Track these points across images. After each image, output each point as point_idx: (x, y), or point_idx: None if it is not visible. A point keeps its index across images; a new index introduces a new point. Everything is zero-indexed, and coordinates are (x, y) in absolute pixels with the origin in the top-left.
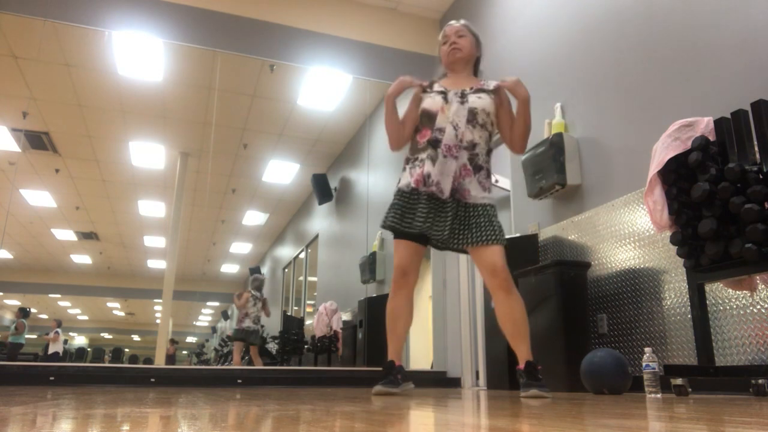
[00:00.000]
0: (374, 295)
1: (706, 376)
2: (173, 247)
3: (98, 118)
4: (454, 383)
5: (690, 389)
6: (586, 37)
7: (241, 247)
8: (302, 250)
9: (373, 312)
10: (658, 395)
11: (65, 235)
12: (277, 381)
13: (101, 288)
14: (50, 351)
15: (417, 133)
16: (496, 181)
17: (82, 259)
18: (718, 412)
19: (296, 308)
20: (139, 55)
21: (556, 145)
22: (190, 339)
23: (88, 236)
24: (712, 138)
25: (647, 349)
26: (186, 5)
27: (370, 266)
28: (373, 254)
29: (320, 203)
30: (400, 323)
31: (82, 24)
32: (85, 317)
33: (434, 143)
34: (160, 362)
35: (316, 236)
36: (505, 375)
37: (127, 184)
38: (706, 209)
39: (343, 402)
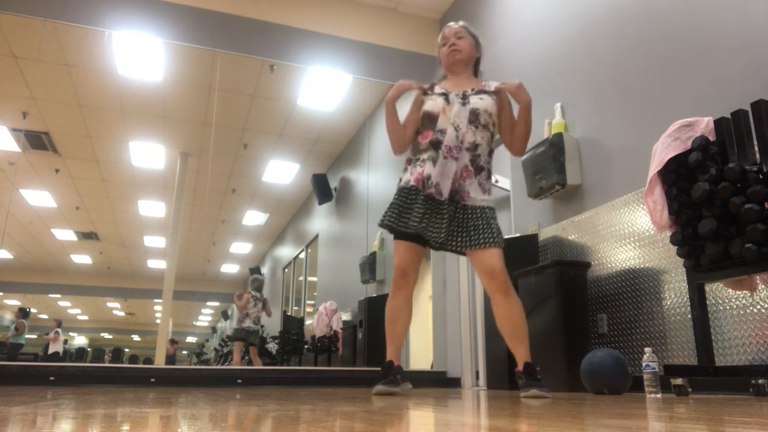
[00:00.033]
0: (374, 295)
1: (706, 376)
2: (173, 247)
3: (98, 118)
4: (454, 383)
5: (690, 389)
6: (586, 37)
7: (241, 247)
8: (302, 250)
9: (373, 312)
10: (658, 395)
11: (65, 235)
12: (277, 381)
13: (101, 288)
14: (50, 351)
15: (419, 135)
16: (496, 181)
17: (82, 259)
18: (718, 412)
19: (296, 308)
20: (139, 55)
21: (556, 145)
22: (190, 339)
23: (88, 236)
24: (712, 138)
25: (647, 349)
26: (186, 5)
27: (370, 266)
28: (373, 254)
29: (320, 203)
30: (400, 323)
31: (82, 24)
32: (85, 317)
33: (435, 144)
34: (160, 362)
35: (316, 236)
36: (505, 375)
37: (127, 184)
38: (706, 209)
39: (343, 402)
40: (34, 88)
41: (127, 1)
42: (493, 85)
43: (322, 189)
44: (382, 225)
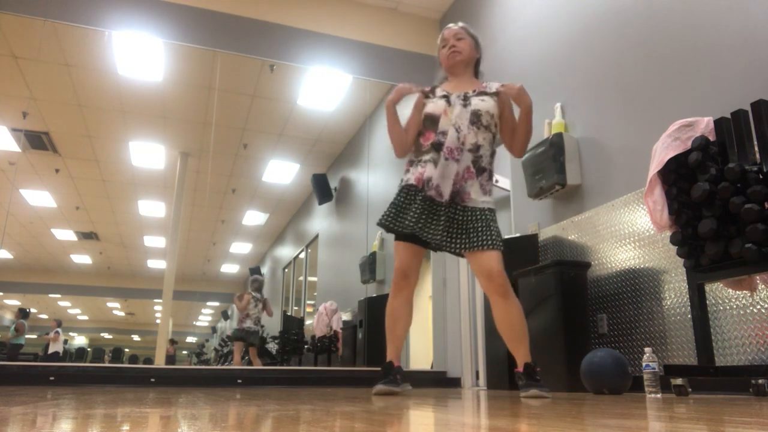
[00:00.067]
0: (374, 295)
1: (706, 376)
2: (173, 247)
3: (98, 118)
4: (454, 383)
5: (690, 389)
6: (586, 37)
7: (241, 247)
8: (302, 250)
9: (373, 312)
10: (658, 395)
11: (65, 235)
12: (277, 381)
13: (101, 288)
14: (50, 351)
15: (421, 137)
16: (496, 181)
17: (82, 259)
18: (718, 412)
19: (296, 308)
20: (139, 55)
21: (556, 145)
22: (190, 339)
23: (88, 236)
24: (712, 138)
25: (647, 349)
26: (186, 5)
27: (370, 266)
28: (373, 254)
29: (320, 203)
30: (400, 324)
31: (82, 24)
32: (85, 317)
33: (437, 146)
34: (160, 362)
35: (316, 236)
36: (505, 375)
37: (127, 184)
38: (706, 209)
39: (343, 402)
40: (34, 88)
41: (127, 1)
42: (494, 87)
43: (322, 189)
44: (379, 224)
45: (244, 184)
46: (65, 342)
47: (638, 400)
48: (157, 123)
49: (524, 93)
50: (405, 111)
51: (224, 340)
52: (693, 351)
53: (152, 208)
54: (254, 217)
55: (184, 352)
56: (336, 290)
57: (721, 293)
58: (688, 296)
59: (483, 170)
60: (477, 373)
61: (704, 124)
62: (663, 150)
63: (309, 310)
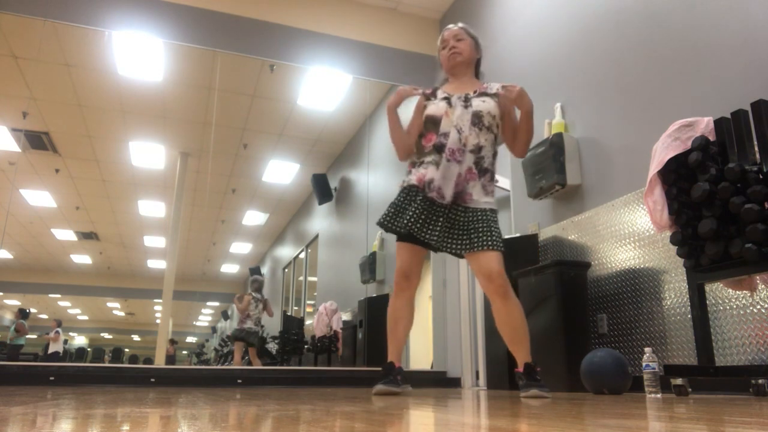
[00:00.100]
0: (374, 295)
1: (706, 376)
2: (173, 247)
3: (98, 118)
4: (454, 383)
5: (690, 389)
6: (586, 37)
7: (241, 247)
8: (302, 250)
9: (373, 312)
10: (658, 395)
11: (65, 235)
12: (277, 381)
13: (101, 288)
14: (50, 351)
15: (422, 138)
16: (497, 181)
17: (82, 259)
18: (718, 412)
19: (296, 308)
20: (139, 55)
21: (556, 145)
22: (190, 339)
23: (88, 236)
24: (712, 138)
25: (647, 349)
26: (186, 5)
27: (370, 266)
28: (373, 254)
29: (320, 203)
30: (401, 325)
31: (82, 24)
32: (85, 317)
33: (439, 148)
34: (160, 362)
35: (316, 236)
36: (505, 375)
37: (127, 184)
38: (706, 209)
39: (343, 402)
40: (34, 88)
41: (127, 1)
42: (494, 87)
43: (322, 189)
44: (378, 223)
45: (244, 184)
46: (65, 342)
47: (638, 400)
48: (157, 123)
49: (524, 96)
50: (405, 113)
51: (224, 340)
52: (693, 351)
53: (152, 208)
54: (254, 217)
55: (184, 352)
56: (336, 290)
57: (721, 293)
58: (688, 296)
59: (485, 171)
60: (477, 373)
61: (704, 124)
62: (663, 150)
63: (309, 310)
